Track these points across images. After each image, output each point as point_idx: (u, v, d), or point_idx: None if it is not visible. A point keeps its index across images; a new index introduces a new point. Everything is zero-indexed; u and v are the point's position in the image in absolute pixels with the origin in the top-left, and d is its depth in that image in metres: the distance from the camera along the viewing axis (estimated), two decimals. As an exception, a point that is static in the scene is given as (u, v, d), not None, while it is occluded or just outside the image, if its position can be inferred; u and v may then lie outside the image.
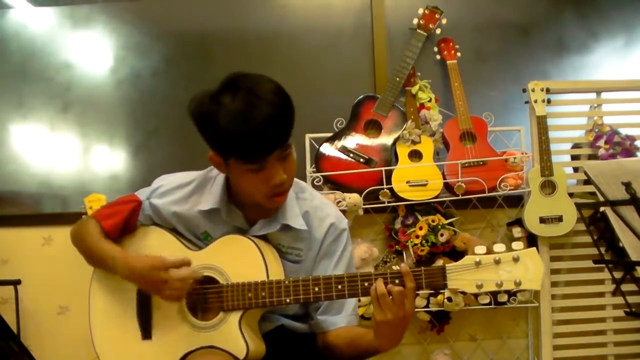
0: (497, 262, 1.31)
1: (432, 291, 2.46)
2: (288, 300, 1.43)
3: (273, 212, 1.52)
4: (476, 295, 2.45)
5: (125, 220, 1.58)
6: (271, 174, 1.38)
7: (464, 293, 1.76)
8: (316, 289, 1.41)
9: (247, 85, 1.33)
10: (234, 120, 1.31)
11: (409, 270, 1.35)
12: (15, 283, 2.60)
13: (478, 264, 1.32)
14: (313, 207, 1.56)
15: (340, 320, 1.55)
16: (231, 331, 1.44)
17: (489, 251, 1.34)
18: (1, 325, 2.08)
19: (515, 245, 1.34)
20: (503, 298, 2.51)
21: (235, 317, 1.45)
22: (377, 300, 1.34)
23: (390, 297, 1.33)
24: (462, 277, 1.33)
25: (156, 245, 1.57)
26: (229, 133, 1.32)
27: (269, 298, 1.43)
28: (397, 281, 1.35)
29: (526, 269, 1.30)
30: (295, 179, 1.55)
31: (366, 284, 1.38)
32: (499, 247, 1.33)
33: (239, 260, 1.48)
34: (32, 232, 2.76)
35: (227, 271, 1.48)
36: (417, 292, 2.09)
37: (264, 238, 1.53)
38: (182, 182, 1.59)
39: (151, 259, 1.45)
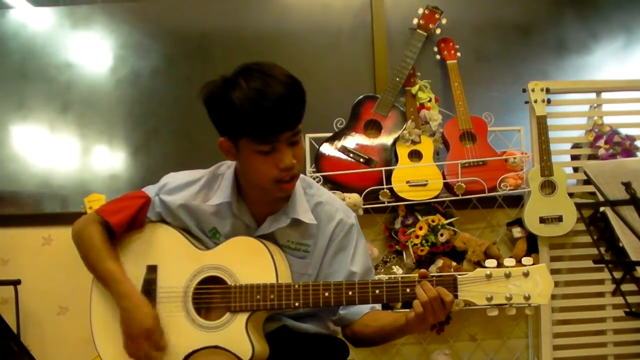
0: (508, 275, 1.34)
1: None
2: (297, 304, 1.43)
3: (282, 207, 1.52)
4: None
5: (133, 216, 1.57)
6: (281, 157, 1.39)
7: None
8: (326, 294, 1.42)
9: (261, 69, 1.38)
10: (249, 97, 1.34)
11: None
12: (15, 283, 2.59)
13: (489, 276, 1.35)
14: (321, 202, 1.57)
15: (364, 307, 1.56)
16: (237, 332, 1.44)
17: (500, 265, 1.37)
18: (1, 325, 2.07)
19: (526, 260, 1.38)
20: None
21: (242, 318, 1.44)
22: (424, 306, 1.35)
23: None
24: (472, 288, 1.35)
25: (164, 243, 1.57)
26: (243, 110, 1.34)
27: (277, 301, 1.43)
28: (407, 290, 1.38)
29: (535, 284, 1.33)
30: (302, 176, 1.56)
31: (377, 291, 1.40)
32: (509, 261, 1.36)
33: (248, 261, 1.48)
34: (32, 232, 2.76)
35: (235, 272, 1.48)
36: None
37: (273, 236, 1.54)
38: (191, 179, 1.59)
39: (152, 321, 1.45)
